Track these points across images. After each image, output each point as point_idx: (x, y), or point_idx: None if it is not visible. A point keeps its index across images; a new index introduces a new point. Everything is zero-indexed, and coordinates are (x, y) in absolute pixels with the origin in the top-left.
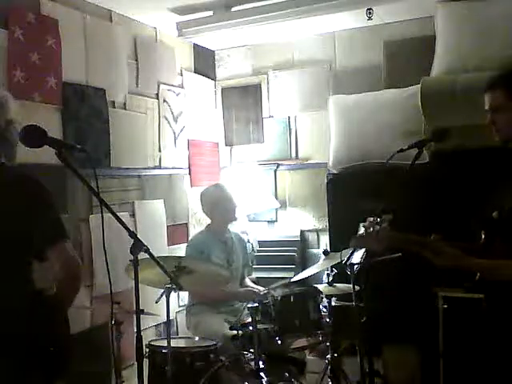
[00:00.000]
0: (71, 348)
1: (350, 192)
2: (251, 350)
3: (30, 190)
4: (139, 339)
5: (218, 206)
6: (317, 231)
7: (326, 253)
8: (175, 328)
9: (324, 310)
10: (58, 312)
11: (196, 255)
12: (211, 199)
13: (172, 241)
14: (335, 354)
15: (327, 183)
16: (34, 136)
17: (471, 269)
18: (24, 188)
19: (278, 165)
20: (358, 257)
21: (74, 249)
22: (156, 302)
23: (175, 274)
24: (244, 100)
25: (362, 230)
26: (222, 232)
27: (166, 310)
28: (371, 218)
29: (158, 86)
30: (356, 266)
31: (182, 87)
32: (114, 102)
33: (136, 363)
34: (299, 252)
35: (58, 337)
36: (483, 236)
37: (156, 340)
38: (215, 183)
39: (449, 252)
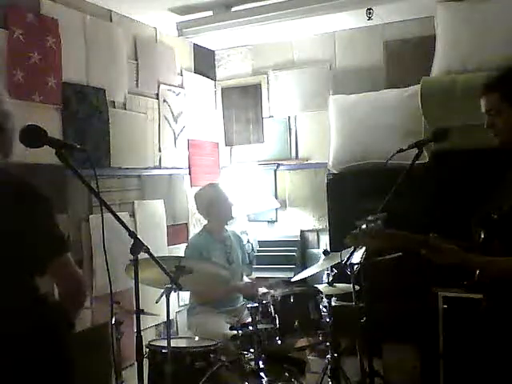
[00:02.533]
0: (72, 359)
1: (350, 192)
2: (251, 350)
3: (25, 198)
4: (139, 339)
5: (214, 206)
6: (317, 231)
7: (325, 253)
8: (175, 328)
9: (324, 310)
10: (62, 321)
11: (195, 257)
12: (206, 200)
13: (172, 241)
14: (335, 354)
15: (327, 183)
16: (34, 136)
17: (470, 266)
18: (20, 196)
19: (278, 165)
20: (357, 257)
21: (74, 263)
22: (156, 302)
23: (175, 274)
24: (244, 100)
25: (357, 229)
26: (220, 232)
27: (166, 310)
28: (368, 217)
29: (158, 86)
30: (356, 266)
31: (182, 87)
32: (114, 102)
33: (136, 363)
34: (299, 252)
35: (60, 346)
36: (482, 235)
37: (156, 340)
38: (209, 183)
39: (447, 249)
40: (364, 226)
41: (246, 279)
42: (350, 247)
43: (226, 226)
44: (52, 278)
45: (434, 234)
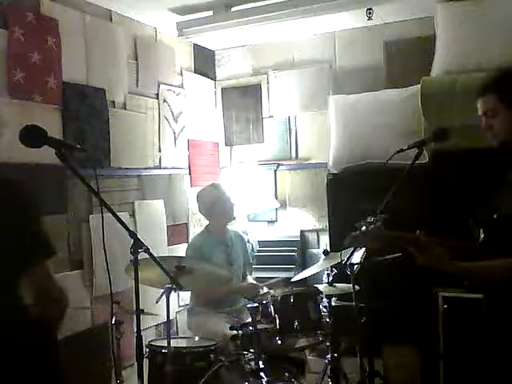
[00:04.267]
0: (58, 370)
1: (350, 192)
2: (251, 350)
3: (13, 199)
4: (139, 339)
5: (216, 206)
6: (317, 231)
7: (325, 253)
8: (175, 328)
9: (324, 310)
10: (45, 334)
11: (196, 257)
12: (208, 200)
13: (172, 241)
14: (335, 354)
15: (327, 183)
16: (34, 136)
17: (453, 273)
18: (7, 197)
19: (278, 165)
20: (357, 257)
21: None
22: (156, 302)
23: (175, 274)
24: (244, 100)
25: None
26: (221, 232)
27: (166, 310)
28: (368, 219)
29: (158, 86)
30: (356, 266)
31: (182, 87)
32: (114, 102)
33: (136, 363)
34: (299, 252)
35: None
36: (482, 235)
37: (156, 340)
38: (211, 183)
39: (435, 252)
40: (364, 228)
41: (249, 279)
42: (348, 248)
43: (227, 227)
44: (33, 287)
45: (421, 232)
